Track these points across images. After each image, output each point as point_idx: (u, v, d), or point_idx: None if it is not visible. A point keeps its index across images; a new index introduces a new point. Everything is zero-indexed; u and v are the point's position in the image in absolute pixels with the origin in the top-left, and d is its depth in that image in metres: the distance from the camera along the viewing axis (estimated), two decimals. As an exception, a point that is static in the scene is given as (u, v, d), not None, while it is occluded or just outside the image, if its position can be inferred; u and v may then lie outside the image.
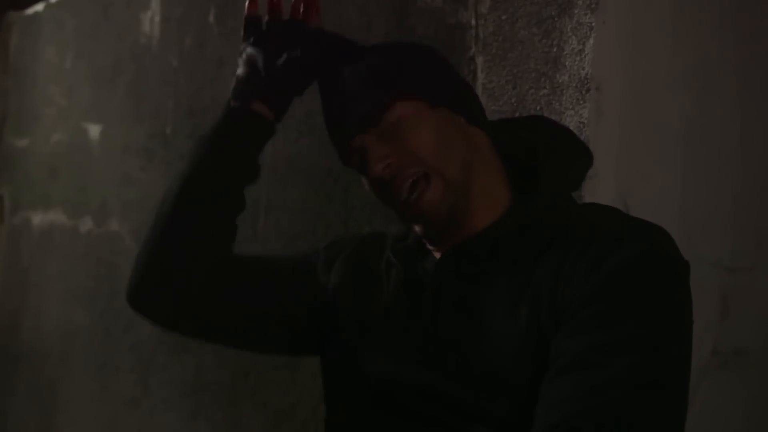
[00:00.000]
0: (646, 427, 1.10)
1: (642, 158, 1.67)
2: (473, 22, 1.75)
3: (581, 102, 1.55)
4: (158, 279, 1.35)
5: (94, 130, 2.93)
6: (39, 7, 3.29)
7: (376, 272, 1.36)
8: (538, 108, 1.62)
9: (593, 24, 1.52)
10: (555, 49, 1.60)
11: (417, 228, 1.31)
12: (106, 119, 2.89)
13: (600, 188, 1.56)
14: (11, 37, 3.43)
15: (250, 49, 1.35)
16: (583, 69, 1.55)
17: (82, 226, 2.90)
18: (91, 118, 2.95)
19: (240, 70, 1.37)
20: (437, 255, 1.31)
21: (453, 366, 1.20)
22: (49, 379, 2.97)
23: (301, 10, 1.36)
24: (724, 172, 1.92)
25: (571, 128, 1.49)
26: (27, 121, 3.28)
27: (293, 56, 1.33)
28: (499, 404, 1.17)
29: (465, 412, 1.18)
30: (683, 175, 1.80)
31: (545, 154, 1.28)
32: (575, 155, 1.31)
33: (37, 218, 3.14)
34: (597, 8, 1.51)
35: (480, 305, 1.22)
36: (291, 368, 2.12)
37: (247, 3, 1.36)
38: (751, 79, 1.96)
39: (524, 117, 1.58)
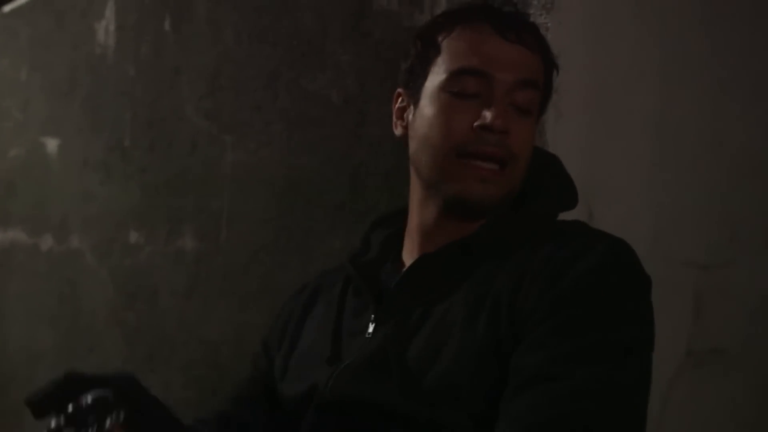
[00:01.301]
0: None
1: (606, 159, 1.67)
2: (429, 25, 1.74)
3: (540, 104, 1.54)
4: None
5: (52, 144, 2.91)
6: (-8, 17, 3.27)
7: (332, 296, 1.37)
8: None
9: (549, 25, 1.51)
10: (513, 51, 1.59)
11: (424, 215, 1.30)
12: (64, 132, 2.86)
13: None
14: (-36, 49, 3.40)
15: None
16: (541, 70, 1.54)
17: (42, 244, 2.87)
18: (49, 132, 2.92)
19: None
20: (404, 264, 1.31)
21: (409, 381, 1.19)
22: (16, 403, 2.94)
23: None
24: (693, 169, 1.92)
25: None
26: (-17, 136, 3.25)
27: None
28: (456, 421, 1.16)
29: (420, 430, 1.17)
30: (651, 174, 1.80)
31: (534, 188, 1.30)
32: (560, 195, 1.32)
33: (-3, 236, 3.12)
34: (552, 8, 1.51)
35: (440, 318, 1.22)
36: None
37: None
38: (719, 72, 1.96)
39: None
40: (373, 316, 1.28)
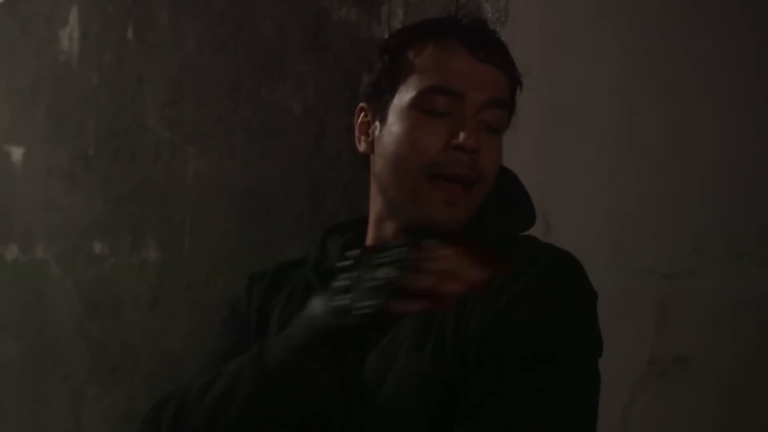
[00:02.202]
0: None
1: (563, 170, 1.69)
2: (386, 36, 1.76)
3: (495, 118, 1.55)
4: None
5: (17, 153, 2.91)
6: (-45, 24, 3.26)
7: (293, 300, 1.36)
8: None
9: (503, 38, 1.53)
10: (468, 63, 1.61)
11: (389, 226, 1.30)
12: (28, 141, 2.87)
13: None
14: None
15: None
16: (496, 84, 1.55)
17: (7, 254, 2.88)
18: (13, 140, 2.92)
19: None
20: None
21: (356, 402, 1.20)
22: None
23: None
24: (656, 179, 1.94)
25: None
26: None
27: None
28: None
29: None
30: (610, 184, 1.82)
31: (493, 208, 1.30)
32: (518, 216, 1.33)
33: (-38, 247, 3.11)
34: (506, 21, 1.52)
35: (389, 339, 1.22)
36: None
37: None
38: (681, 81, 1.98)
39: None
40: None
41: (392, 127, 1.27)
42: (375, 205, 1.33)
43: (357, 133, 1.34)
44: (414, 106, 1.26)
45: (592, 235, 1.81)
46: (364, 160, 1.36)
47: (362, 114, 1.34)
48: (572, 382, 1.16)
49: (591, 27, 1.76)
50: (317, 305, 1.15)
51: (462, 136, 1.23)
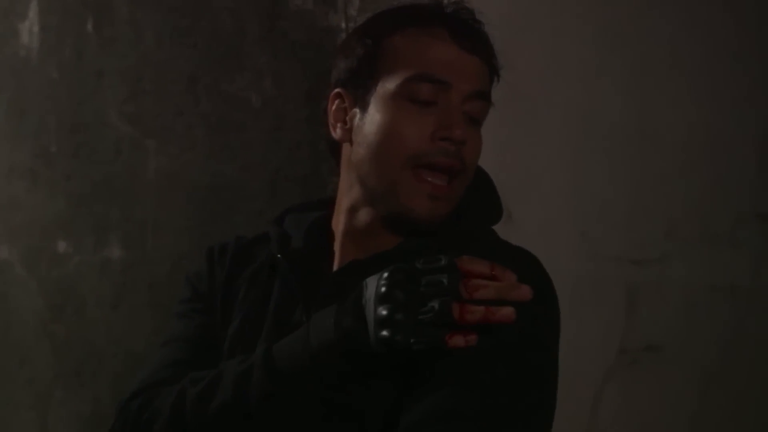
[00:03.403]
0: None
1: (524, 155, 1.69)
2: (343, 24, 1.76)
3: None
4: None
5: (-22, 151, 2.89)
6: None
7: (259, 280, 1.36)
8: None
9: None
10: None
11: (362, 216, 1.30)
12: (-10, 138, 2.84)
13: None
14: None
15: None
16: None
17: (-29, 255, 2.86)
18: (-26, 138, 2.90)
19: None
20: (333, 265, 1.32)
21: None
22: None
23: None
24: (623, 163, 1.94)
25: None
26: None
27: None
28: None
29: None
30: (575, 168, 1.82)
31: (466, 203, 1.31)
32: (489, 212, 1.34)
33: (-75, 248, 3.09)
34: None
35: None
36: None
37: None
38: (648, 61, 1.98)
39: None
40: (304, 317, 1.27)
41: (375, 116, 1.26)
42: (350, 193, 1.31)
43: (332, 119, 1.32)
44: (398, 94, 1.25)
45: (556, 222, 1.81)
46: (335, 147, 1.35)
47: (338, 100, 1.32)
48: (537, 387, 1.16)
49: (552, 7, 1.75)
50: (345, 321, 1.12)
51: (451, 126, 1.23)
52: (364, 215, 1.31)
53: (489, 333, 1.09)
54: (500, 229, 1.34)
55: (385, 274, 1.10)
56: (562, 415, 1.78)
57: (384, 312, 1.07)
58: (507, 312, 1.07)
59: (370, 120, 1.27)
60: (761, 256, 2.04)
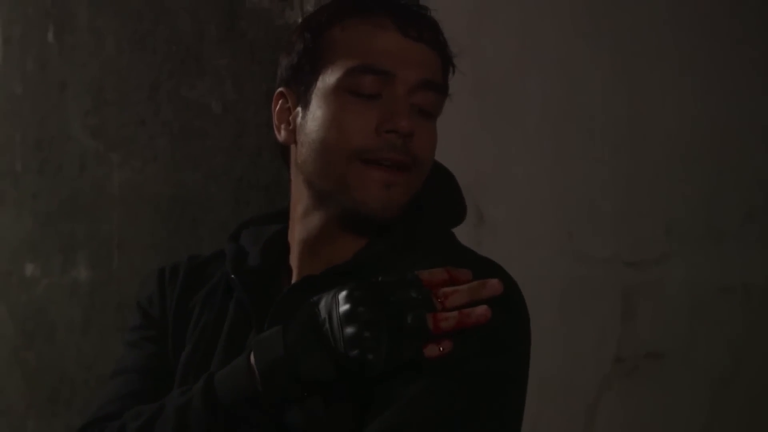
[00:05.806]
0: None
1: (497, 153, 1.62)
2: (300, 21, 1.72)
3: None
4: None
5: (-55, 171, 2.86)
6: None
7: (214, 301, 1.33)
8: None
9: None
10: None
11: (313, 225, 1.27)
12: (-44, 158, 2.82)
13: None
14: None
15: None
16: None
17: (-59, 281, 2.83)
18: (-60, 158, 2.87)
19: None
20: (290, 281, 1.28)
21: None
22: None
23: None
24: (608, 155, 1.87)
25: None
26: None
27: None
28: None
29: None
30: (554, 165, 1.75)
31: (424, 204, 1.28)
32: (450, 214, 1.31)
33: None
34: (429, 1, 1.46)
35: None
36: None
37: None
38: (633, 42, 1.91)
39: None
40: (248, 330, 1.26)
41: (316, 112, 1.23)
42: (301, 199, 1.28)
43: (276, 121, 1.29)
44: (340, 88, 1.21)
45: (536, 223, 1.73)
46: (284, 151, 1.32)
47: (281, 100, 1.29)
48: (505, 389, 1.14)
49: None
50: (297, 342, 1.11)
51: (395, 118, 1.19)
52: (316, 220, 1.27)
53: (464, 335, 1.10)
54: (471, 232, 1.28)
55: (344, 292, 1.10)
56: (555, 428, 1.71)
57: (351, 330, 1.08)
58: (482, 311, 1.09)
59: (312, 117, 1.23)
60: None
